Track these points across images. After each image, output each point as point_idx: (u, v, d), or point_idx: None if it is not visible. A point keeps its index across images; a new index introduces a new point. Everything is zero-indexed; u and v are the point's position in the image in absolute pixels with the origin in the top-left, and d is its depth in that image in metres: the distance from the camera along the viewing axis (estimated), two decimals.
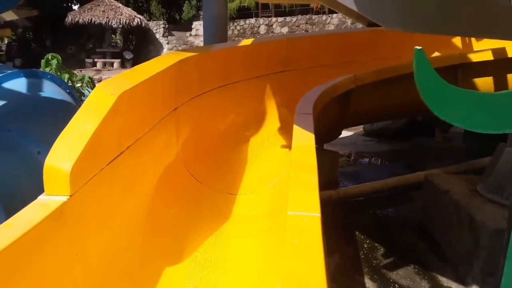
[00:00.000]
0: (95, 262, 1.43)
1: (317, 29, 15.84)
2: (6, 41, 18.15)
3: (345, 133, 5.48)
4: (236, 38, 16.76)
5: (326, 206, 1.27)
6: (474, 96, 1.19)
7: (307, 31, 15.58)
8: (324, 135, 3.77)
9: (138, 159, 1.88)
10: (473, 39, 4.63)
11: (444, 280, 2.41)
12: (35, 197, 1.30)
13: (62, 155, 1.32)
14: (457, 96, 1.18)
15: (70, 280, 1.29)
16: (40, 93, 3.01)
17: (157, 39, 18.40)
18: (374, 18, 1.74)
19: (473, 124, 1.16)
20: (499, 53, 3.70)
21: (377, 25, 2.10)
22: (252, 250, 1.87)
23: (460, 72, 3.71)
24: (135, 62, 15.86)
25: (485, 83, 3.84)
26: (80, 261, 1.34)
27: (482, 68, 3.80)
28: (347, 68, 3.83)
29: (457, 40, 4.66)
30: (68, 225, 1.29)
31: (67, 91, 3.31)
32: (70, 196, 1.30)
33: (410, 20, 1.50)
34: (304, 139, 1.98)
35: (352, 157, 4.99)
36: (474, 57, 3.79)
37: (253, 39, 4.13)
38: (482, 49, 4.02)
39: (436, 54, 4.25)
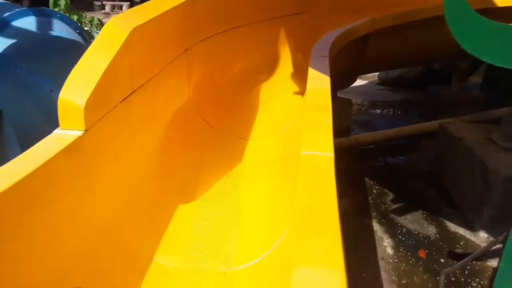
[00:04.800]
0: (110, 197, 1.46)
1: None
2: None
3: (359, 82, 5.37)
4: None
5: (337, 153, 1.25)
6: (506, 29, 1.12)
7: None
8: (338, 81, 3.68)
9: (150, 98, 1.86)
10: None
11: (451, 226, 2.44)
12: (49, 133, 1.30)
13: (76, 89, 1.31)
14: (488, 28, 1.11)
15: (86, 213, 1.32)
16: (50, 32, 2.96)
17: None
18: None
19: (503, 59, 1.10)
20: None
21: None
22: (263, 191, 1.89)
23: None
24: None
25: None
26: (96, 195, 1.37)
27: (508, 14, 3.61)
28: (366, 12, 3.66)
29: None
30: (83, 159, 1.30)
31: (77, 31, 3.25)
32: (85, 131, 1.30)
33: None
34: (319, 81, 1.94)
35: (365, 106, 4.92)
36: (500, 2, 3.59)
37: None
38: None
39: None
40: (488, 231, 2.30)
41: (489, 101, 4.05)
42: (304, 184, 1.10)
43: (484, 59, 1.17)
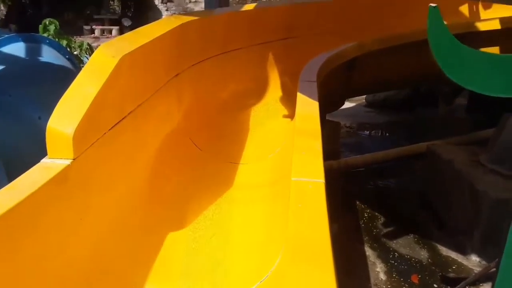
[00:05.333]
0: (98, 226, 1.43)
1: None
2: (2, 7, 17.72)
3: (347, 104, 5.43)
4: (236, 5, 16.38)
5: (327, 176, 1.26)
6: (489, 58, 1.15)
7: None
8: (327, 104, 3.73)
9: (140, 125, 1.85)
10: (480, 8, 4.51)
11: (443, 249, 2.44)
12: (36, 162, 1.29)
13: (65, 117, 1.30)
14: (471, 57, 1.14)
15: (74, 243, 1.29)
16: (39, 58, 2.96)
17: (156, 5, 17.96)
18: None
19: (486, 86, 1.13)
20: (507, 22, 3.61)
21: None
22: (254, 216, 1.88)
23: (467, 41, 3.63)
24: (133, 29, 15.53)
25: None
26: (84, 225, 1.34)
27: (489, 37, 3.72)
28: (352, 35, 3.74)
29: (464, 8, 4.55)
30: (72, 188, 1.28)
31: (66, 56, 3.25)
32: (73, 159, 1.29)
33: None
34: (308, 106, 1.96)
35: (353, 128, 4.97)
36: (482, 26, 3.70)
37: (256, 3, 4.03)
38: (490, 18, 3.93)
39: None
40: (479, 254, 2.30)
41: (475, 122, 4.13)
42: (295, 212, 1.10)
43: (469, 88, 1.19)
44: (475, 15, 4.43)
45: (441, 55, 1.18)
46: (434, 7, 1.18)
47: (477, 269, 2.25)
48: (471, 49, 1.17)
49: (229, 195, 2.07)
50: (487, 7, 4.34)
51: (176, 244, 1.68)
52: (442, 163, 2.78)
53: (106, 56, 1.55)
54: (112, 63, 1.51)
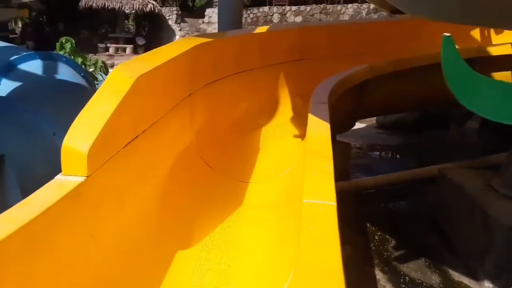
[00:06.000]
0: (109, 243, 1.44)
1: (331, 19, 15.62)
2: (20, 24, 18.21)
3: (357, 125, 5.42)
4: (249, 26, 16.63)
5: (337, 197, 1.26)
6: (503, 87, 1.16)
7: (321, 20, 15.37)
8: (338, 125, 3.74)
9: (153, 143, 1.88)
10: (492, 33, 4.53)
11: (455, 275, 2.39)
12: (50, 178, 1.31)
13: (80, 135, 1.32)
14: (486, 85, 1.15)
15: (85, 259, 1.30)
16: (56, 75, 3.03)
17: (170, 25, 18.33)
18: (399, 4, 1.70)
19: (500, 115, 1.13)
20: None
21: (401, 12, 2.06)
22: (263, 236, 1.87)
23: (478, 66, 3.64)
24: (147, 48, 15.83)
25: (503, 77, 3.77)
26: (96, 241, 1.35)
27: (501, 62, 3.73)
28: (362, 58, 3.78)
29: (475, 33, 4.57)
30: (84, 205, 1.30)
31: (82, 74, 3.32)
32: (87, 177, 1.31)
33: (438, 8, 1.45)
34: (319, 128, 1.97)
35: (364, 149, 4.95)
36: (493, 51, 3.71)
37: (268, 26, 4.10)
38: (501, 43, 3.94)
39: None
40: (493, 281, 2.25)
41: (486, 146, 4.09)
42: (307, 235, 1.09)
43: (482, 115, 1.19)
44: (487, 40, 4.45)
45: (455, 83, 1.19)
46: (448, 36, 1.19)
47: None
48: (485, 77, 1.18)
49: (239, 214, 2.07)
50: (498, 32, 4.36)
51: (185, 262, 1.68)
52: (454, 187, 2.75)
53: (123, 76, 1.59)
54: (128, 83, 1.55)
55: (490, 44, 4.30)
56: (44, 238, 1.13)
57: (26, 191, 1.27)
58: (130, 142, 1.62)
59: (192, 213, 2.04)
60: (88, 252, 1.32)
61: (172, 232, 1.84)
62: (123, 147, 1.56)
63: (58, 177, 1.31)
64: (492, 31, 4.45)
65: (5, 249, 0.99)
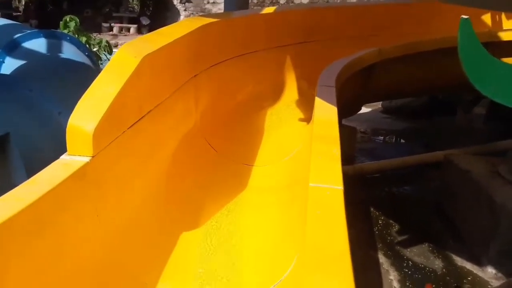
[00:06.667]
0: (115, 223, 1.44)
1: (338, 0, 15.37)
2: (23, 1, 18.04)
3: (363, 109, 5.38)
4: (255, 7, 16.40)
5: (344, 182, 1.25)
6: None
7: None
8: (344, 109, 3.70)
9: (157, 124, 1.86)
10: (503, 17, 4.43)
11: (458, 260, 2.40)
12: (55, 157, 1.30)
13: (86, 115, 1.31)
14: (503, 70, 1.12)
15: (91, 239, 1.30)
16: (60, 54, 3.00)
17: (174, 5, 18.09)
18: None
19: None
20: None
21: None
22: (268, 219, 1.87)
23: (489, 50, 3.57)
24: (151, 28, 15.66)
25: None
26: (101, 221, 1.35)
27: None
28: (370, 41, 3.72)
29: (486, 18, 4.47)
30: (90, 185, 1.29)
31: (86, 53, 3.29)
32: (93, 157, 1.30)
33: None
34: (327, 111, 1.94)
35: (369, 134, 4.92)
36: (504, 36, 3.64)
37: (274, 7, 4.02)
38: None
39: None
40: (496, 267, 2.25)
41: (493, 132, 4.05)
42: (313, 219, 1.08)
43: (497, 100, 1.17)
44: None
45: (471, 67, 1.16)
46: (466, 19, 1.15)
47: (493, 282, 2.21)
48: (503, 62, 1.15)
49: (243, 197, 2.07)
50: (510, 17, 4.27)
51: (190, 245, 1.69)
52: (460, 173, 2.73)
53: (128, 56, 1.57)
54: (133, 63, 1.52)
55: (501, 29, 4.21)
56: (50, 218, 1.13)
57: (31, 171, 1.26)
58: (135, 123, 1.61)
59: (196, 195, 2.04)
60: (94, 232, 1.32)
61: (177, 214, 1.84)
62: (128, 128, 1.55)
63: (63, 157, 1.30)
64: (503, 15, 4.36)
65: (11, 228, 0.99)
